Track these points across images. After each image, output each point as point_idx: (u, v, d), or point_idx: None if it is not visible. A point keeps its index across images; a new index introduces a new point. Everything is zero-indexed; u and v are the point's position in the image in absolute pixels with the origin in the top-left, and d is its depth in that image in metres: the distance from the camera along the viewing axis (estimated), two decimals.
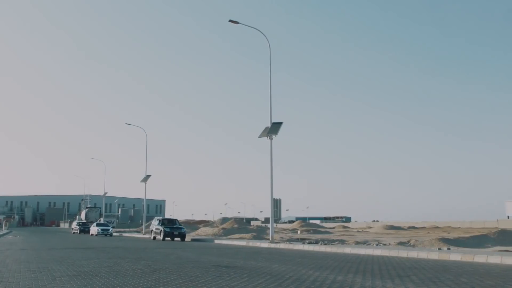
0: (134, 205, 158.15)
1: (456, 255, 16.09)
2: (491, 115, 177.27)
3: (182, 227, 36.87)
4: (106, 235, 46.94)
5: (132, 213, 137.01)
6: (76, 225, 61.11)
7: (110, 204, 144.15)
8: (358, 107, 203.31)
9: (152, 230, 37.41)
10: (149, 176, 51.34)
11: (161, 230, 34.66)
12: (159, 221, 36.75)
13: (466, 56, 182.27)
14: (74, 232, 58.80)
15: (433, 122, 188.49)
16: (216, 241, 31.82)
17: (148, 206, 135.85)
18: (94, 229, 49.40)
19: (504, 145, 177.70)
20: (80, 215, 67.56)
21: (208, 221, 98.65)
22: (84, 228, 58.52)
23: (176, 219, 39.41)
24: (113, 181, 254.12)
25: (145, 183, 51.13)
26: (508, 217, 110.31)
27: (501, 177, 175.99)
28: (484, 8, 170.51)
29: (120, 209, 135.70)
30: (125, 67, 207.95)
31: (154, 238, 36.47)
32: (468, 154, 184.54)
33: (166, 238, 34.67)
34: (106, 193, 74.67)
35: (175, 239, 34.98)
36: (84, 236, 47.57)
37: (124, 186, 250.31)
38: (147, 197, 52.91)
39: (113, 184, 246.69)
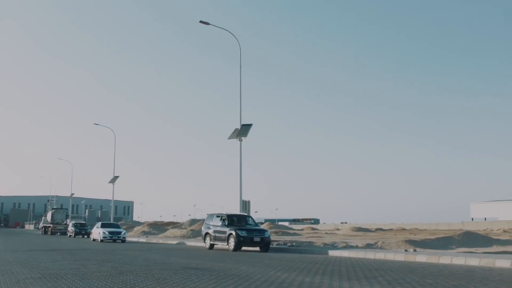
0: (101, 206, 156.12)
1: (422, 257, 16.35)
2: (456, 118, 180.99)
3: (264, 229, 24.11)
4: (115, 240, 33.70)
5: (99, 215, 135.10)
6: (72, 226, 49.86)
7: (77, 205, 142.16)
8: (325, 110, 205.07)
9: (206, 234, 24.49)
10: (117, 177, 50.86)
11: (231, 235, 21.91)
12: (222, 220, 23.42)
13: (431, 58, 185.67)
14: (69, 236, 48.86)
15: (399, 125, 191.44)
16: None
17: (116, 207, 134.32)
18: (98, 232, 35.22)
19: (469, 148, 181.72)
20: (46, 216, 65.96)
21: (176, 223, 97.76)
22: (81, 229, 48.29)
23: (248, 216, 25.13)
24: (80, 182, 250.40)
25: (113, 184, 50.60)
26: (472, 219, 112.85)
27: (466, 180, 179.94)
28: (445, 11, 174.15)
29: (87, 210, 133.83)
30: (93, 69, 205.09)
31: (212, 246, 24.00)
32: (434, 157, 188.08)
33: (241, 247, 22.07)
34: (73, 194, 73.62)
35: (246, 247, 22.55)
36: (76, 240, 37.66)
37: (92, 187, 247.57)
38: (115, 198, 52.39)
39: (80, 185, 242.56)
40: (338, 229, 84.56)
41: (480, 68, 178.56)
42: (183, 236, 43.80)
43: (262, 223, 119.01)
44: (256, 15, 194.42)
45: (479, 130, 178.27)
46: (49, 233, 59.14)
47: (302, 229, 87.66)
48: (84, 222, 56.76)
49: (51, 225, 59.47)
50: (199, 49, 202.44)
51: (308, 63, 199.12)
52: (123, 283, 8.84)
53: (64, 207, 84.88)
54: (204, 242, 24.95)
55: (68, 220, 63.87)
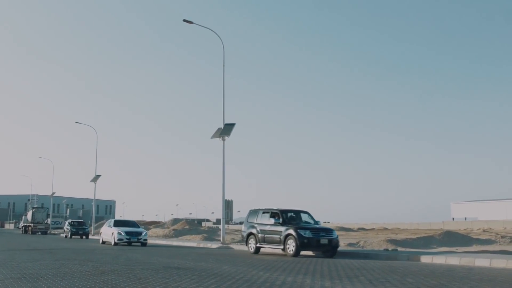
0: (83, 205, 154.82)
1: (403, 256, 16.46)
2: (437, 119, 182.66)
3: (331, 228, 19.16)
4: (131, 243, 26.80)
5: (81, 214, 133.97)
6: (68, 225, 44.69)
7: (58, 205, 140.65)
8: (309, 110, 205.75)
9: (250, 235, 19.84)
10: (99, 176, 50.39)
11: (290, 235, 17.38)
12: (273, 217, 18.74)
13: (416, 59, 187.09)
14: (65, 236, 43.86)
15: (382, 125, 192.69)
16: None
17: (97, 206, 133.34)
18: (110, 233, 27.76)
19: (450, 148, 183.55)
20: (26, 215, 65.17)
21: (159, 222, 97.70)
22: (78, 229, 42.98)
23: (305, 212, 20.22)
24: (62, 181, 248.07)
25: (95, 183, 50.14)
26: (453, 218, 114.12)
27: (447, 180, 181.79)
28: (426, 13, 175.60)
29: (68, 210, 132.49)
30: (76, 67, 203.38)
31: (258, 250, 19.55)
32: (416, 157, 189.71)
33: (303, 251, 17.74)
34: (54, 193, 72.74)
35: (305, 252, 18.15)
36: (74, 242, 31.94)
37: (73, 186, 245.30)
38: (96, 198, 51.89)
39: (62, 184, 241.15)
40: None
41: (471, 70, 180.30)
42: (166, 236, 43.70)
43: None
44: (239, 15, 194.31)
45: (461, 131, 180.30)
46: (29, 232, 58.45)
47: None
48: (82, 220, 51.87)
49: (32, 224, 58.76)
50: (182, 48, 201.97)
51: (292, 63, 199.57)
52: (104, 283, 8.76)
53: (45, 206, 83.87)
54: (247, 245, 20.24)
55: (49, 220, 63.14)
